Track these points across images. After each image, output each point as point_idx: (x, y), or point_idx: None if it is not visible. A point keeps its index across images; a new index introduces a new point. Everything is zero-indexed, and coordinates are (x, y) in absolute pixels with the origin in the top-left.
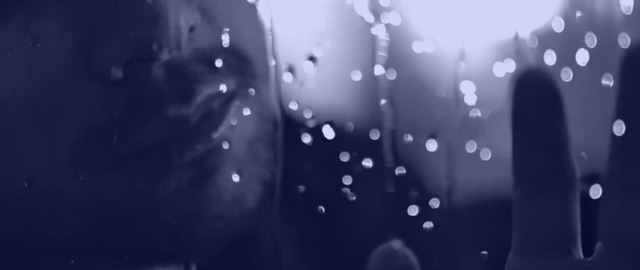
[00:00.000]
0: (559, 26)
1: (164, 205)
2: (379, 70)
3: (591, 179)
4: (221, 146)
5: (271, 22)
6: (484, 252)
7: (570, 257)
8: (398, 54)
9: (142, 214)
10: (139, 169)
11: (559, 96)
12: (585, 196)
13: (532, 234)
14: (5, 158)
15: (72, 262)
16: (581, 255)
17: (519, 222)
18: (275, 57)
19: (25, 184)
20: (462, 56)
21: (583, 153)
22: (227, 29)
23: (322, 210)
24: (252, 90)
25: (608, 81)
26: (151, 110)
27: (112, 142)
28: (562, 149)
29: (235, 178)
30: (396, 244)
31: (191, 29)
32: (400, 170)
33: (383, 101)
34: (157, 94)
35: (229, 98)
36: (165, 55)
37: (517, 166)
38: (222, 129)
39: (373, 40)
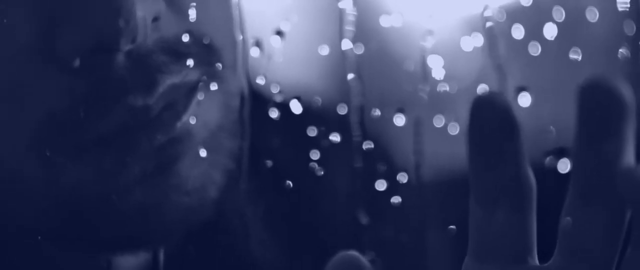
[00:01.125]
0: (527, 0)
1: (125, 193)
2: (346, 44)
3: (559, 153)
4: (184, 136)
5: None
6: (452, 226)
7: (527, 265)
8: (365, 28)
9: (104, 201)
10: (100, 156)
11: (513, 120)
12: (542, 208)
13: (488, 244)
14: None
15: (36, 242)
16: (537, 262)
17: (476, 231)
18: (242, 32)
19: None
20: (429, 30)
21: (551, 127)
22: (193, 18)
23: (289, 185)
24: (217, 80)
25: (576, 55)
26: (113, 99)
27: (74, 129)
28: (518, 167)
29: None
30: (352, 255)
31: (155, 19)
32: (368, 145)
33: (351, 76)
34: (119, 83)
35: (193, 88)
36: (127, 45)
37: (474, 183)
38: (185, 119)
39: (340, 15)
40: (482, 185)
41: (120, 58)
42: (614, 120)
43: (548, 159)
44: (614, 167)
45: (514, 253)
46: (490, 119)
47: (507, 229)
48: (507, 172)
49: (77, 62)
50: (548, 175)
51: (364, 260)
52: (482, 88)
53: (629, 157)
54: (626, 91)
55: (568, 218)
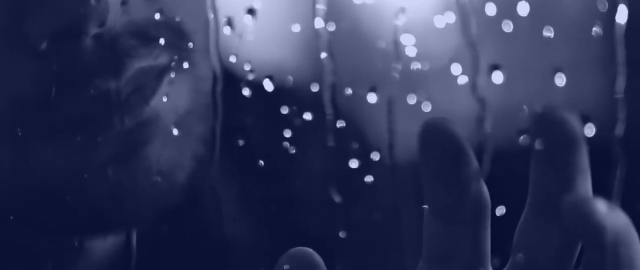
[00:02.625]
0: None
1: (95, 175)
2: (318, 22)
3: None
4: (153, 119)
5: None
6: (425, 205)
7: None
8: (338, 5)
9: (74, 183)
10: (69, 139)
11: (461, 146)
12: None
13: (442, 254)
14: None
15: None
16: None
17: (430, 239)
18: (214, 10)
19: None
20: (402, 8)
21: (524, 106)
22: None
23: (262, 164)
24: (187, 62)
25: (549, 33)
26: (80, 83)
27: (42, 112)
28: (470, 186)
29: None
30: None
31: (124, 2)
32: (340, 123)
33: (323, 54)
34: (87, 67)
35: (162, 72)
36: (94, 28)
37: (428, 198)
38: (153, 103)
39: None
40: (436, 201)
41: (89, 41)
42: (565, 152)
43: (522, 137)
44: (563, 196)
45: (466, 264)
46: (438, 146)
47: (460, 241)
48: (460, 192)
49: (44, 45)
50: (521, 156)
51: (316, 256)
52: (454, 67)
53: (582, 187)
54: (576, 124)
55: (521, 238)
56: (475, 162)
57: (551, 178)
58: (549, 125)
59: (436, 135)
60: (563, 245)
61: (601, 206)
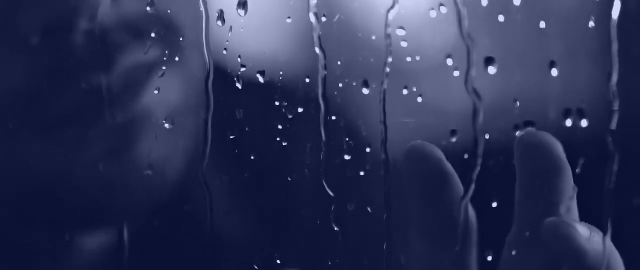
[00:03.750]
0: None
1: (83, 173)
2: (311, 15)
3: (527, 126)
4: (145, 114)
5: None
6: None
7: None
8: None
9: (61, 181)
10: (58, 136)
11: (444, 170)
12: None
13: None
14: None
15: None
16: None
17: (415, 263)
18: (205, 4)
19: None
20: (395, 1)
21: (517, 102)
22: None
23: (253, 158)
24: (179, 57)
25: (545, 25)
26: (70, 79)
27: (34, 107)
28: (454, 209)
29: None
30: None
31: None
32: (332, 117)
33: (316, 47)
34: (77, 62)
35: (153, 66)
36: (84, 24)
37: (413, 221)
38: (144, 98)
39: None
40: (421, 224)
41: (80, 37)
42: (547, 176)
43: (517, 133)
44: (545, 218)
45: None
46: (423, 171)
47: (446, 263)
48: (445, 215)
49: (36, 41)
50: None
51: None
52: (449, 62)
53: (565, 208)
54: (559, 149)
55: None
56: (460, 186)
57: (536, 202)
58: (532, 150)
59: (421, 160)
60: (547, 268)
61: (583, 230)
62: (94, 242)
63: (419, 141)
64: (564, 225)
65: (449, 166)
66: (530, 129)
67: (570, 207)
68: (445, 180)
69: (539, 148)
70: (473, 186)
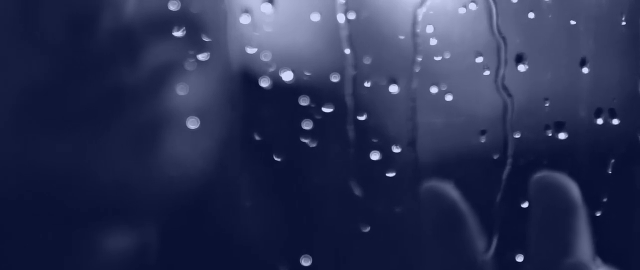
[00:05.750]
0: None
1: (105, 170)
2: (339, 13)
3: (557, 126)
4: (169, 111)
5: None
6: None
7: None
8: None
9: (82, 177)
10: (81, 133)
11: (458, 212)
12: None
13: None
14: None
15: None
16: None
17: None
18: (230, 1)
19: None
20: None
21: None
22: None
23: (279, 158)
24: (204, 54)
25: (575, 22)
26: (94, 76)
27: (57, 104)
28: (468, 247)
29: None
30: None
31: None
32: (361, 116)
33: (343, 44)
34: (100, 60)
35: (178, 63)
36: (109, 22)
37: (429, 260)
38: (169, 99)
39: None
40: (436, 262)
41: (104, 34)
42: (563, 217)
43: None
44: (563, 259)
45: None
46: (438, 211)
47: None
48: (459, 255)
49: (60, 38)
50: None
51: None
52: (478, 59)
53: (581, 249)
54: (574, 189)
55: None
56: (474, 228)
57: (550, 241)
58: (548, 191)
59: (436, 201)
60: None
61: None
62: (118, 242)
63: (434, 182)
64: (582, 266)
65: (463, 207)
66: (546, 172)
67: (584, 246)
68: (460, 221)
69: (554, 188)
70: (501, 191)
